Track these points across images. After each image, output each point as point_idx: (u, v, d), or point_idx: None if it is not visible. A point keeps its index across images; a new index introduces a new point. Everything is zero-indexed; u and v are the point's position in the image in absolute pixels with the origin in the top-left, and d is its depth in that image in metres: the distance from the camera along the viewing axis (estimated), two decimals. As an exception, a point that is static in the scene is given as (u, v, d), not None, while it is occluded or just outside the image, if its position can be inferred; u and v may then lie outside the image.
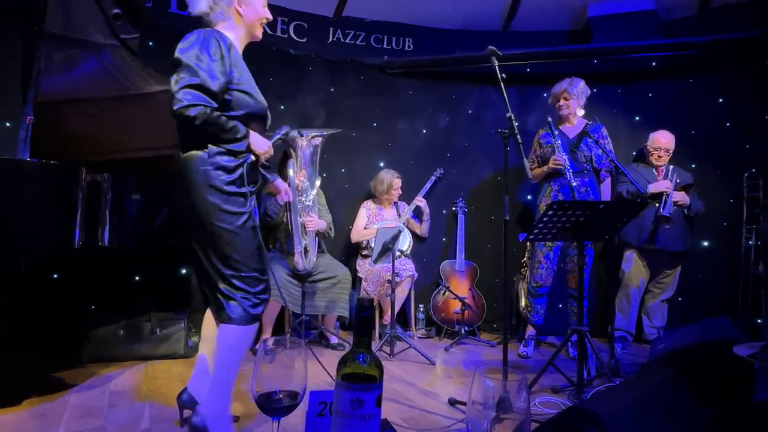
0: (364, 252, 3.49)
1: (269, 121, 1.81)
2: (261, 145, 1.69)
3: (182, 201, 1.60)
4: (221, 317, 1.62)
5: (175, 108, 1.52)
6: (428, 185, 3.76)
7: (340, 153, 3.78)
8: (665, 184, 3.14)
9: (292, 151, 2.88)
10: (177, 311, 2.83)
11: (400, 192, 3.58)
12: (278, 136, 1.90)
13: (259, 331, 3.05)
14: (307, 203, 2.88)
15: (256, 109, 1.68)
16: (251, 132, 1.67)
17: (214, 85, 1.55)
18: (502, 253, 2.08)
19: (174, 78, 1.55)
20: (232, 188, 1.61)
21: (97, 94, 2.14)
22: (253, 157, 1.68)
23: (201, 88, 1.53)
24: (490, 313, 3.65)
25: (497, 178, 3.88)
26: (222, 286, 1.61)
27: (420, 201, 3.59)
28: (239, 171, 1.63)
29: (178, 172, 1.61)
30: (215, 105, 1.57)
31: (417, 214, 3.71)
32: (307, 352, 0.90)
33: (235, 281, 1.60)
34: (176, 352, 2.71)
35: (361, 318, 0.85)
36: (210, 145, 1.59)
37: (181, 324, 2.74)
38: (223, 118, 1.58)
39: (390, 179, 3.48)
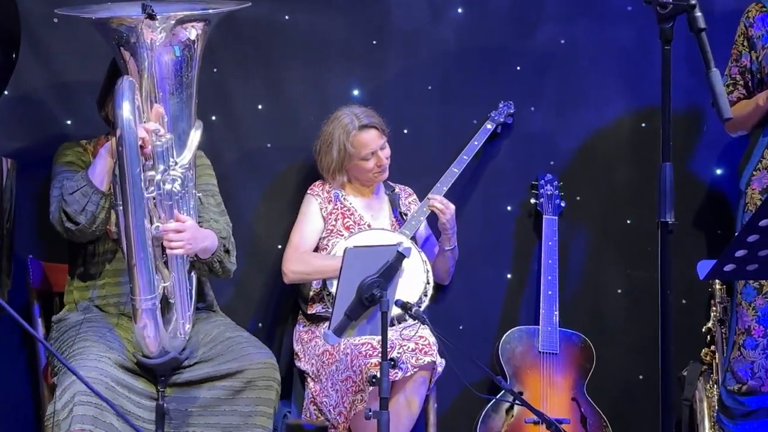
0: (314, 309, 3.62)
1: None
2: None
3: None
4: None
5: None
6: (477, 144, 3.90)
7: (249, 67, 3.94)
8: None
9: (128, 56, 2.93)
10: None
11: (387, 161, 3.71)
12: None
13: None
14: (169, 187, 2.92)
15: None
16: None
17: None
18: (658, 310, 2.11)
19: None
20: None
21: None
22: None
23: None
24: (624, 459, 3.73)
25: (640, 124, 4.04)
26: None
27: (442, 205, 3.72)
28: None
29: None
30: None
31: (441, 229, 3.84)
32: None
33: None
34: None
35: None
36: None
37: None
38: None
39: (348, 130, 3.62)
